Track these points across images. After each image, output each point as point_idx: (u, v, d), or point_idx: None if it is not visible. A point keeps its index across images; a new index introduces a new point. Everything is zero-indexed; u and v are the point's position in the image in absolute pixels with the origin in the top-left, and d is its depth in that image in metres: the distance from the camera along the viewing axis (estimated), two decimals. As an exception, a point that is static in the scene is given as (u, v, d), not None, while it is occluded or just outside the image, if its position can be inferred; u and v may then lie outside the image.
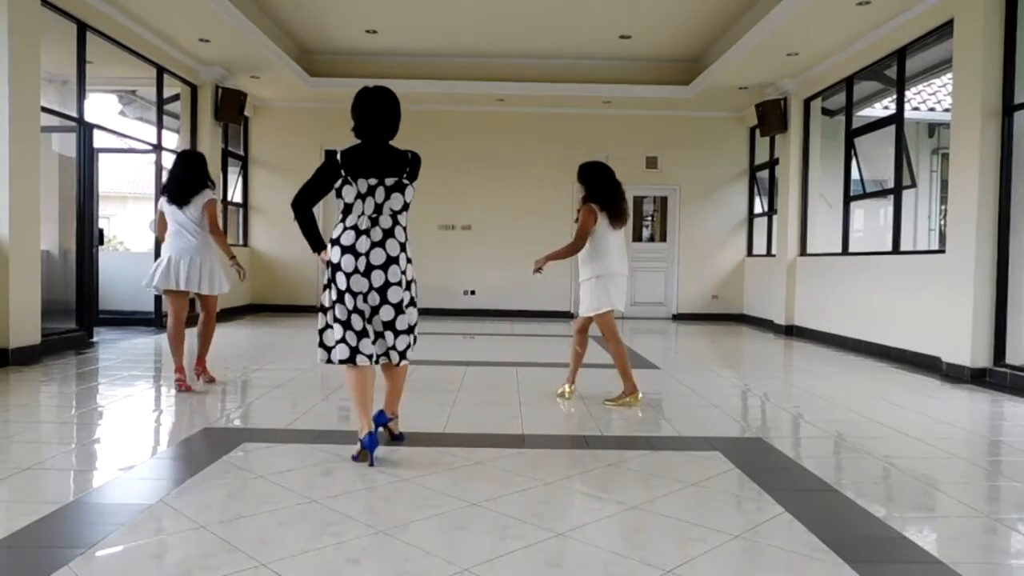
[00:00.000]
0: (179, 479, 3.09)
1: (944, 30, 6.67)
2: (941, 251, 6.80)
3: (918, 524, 2.79)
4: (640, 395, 4.85)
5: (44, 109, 6.49)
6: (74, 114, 7.32)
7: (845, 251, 8.69)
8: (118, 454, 3.56)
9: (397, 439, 3.69)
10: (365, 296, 3.36)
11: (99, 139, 7.78)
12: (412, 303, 3.50)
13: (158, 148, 8.98)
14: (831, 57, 8.53)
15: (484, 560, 2.30)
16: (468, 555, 2.34)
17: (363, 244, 3.33)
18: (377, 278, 3.34)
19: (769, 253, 10.77)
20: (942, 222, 11.61)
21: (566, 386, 5.06)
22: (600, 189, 4.80)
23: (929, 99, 11.78)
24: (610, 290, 4.80)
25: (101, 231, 8.31)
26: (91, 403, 4.71)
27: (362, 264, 3.33)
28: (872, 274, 7.78)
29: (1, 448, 3.50)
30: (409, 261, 3.49)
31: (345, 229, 3.37)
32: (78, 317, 7.37)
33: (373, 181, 3.34)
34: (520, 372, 5.90)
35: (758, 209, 11.56)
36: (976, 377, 5.87)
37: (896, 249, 7.51)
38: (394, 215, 3.39)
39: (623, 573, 2.24)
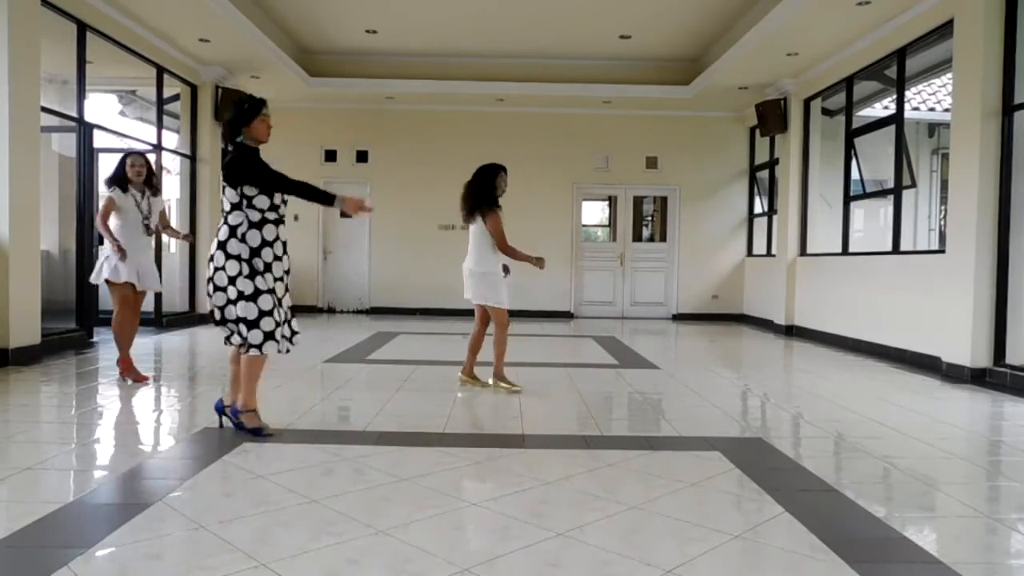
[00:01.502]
0: (179, 479, 3.09)
1: (944, 30, 6.67)
2: (941, 251, 6.79)
3: (918, 524, 2.79)
4: (464, 377, 5.33)
5: (44, 109, 6.49)
6: (74, 114, 7.32)
7: (845, 251, 8.69)
8: (118, 454, 3.56)
9: (239, 427, 3.78)
10: (210, 279, 3.67)
11: (99, 139, 7.78)
12: (245, 297, 3.60)
13: (158, 148, 8.98)
14: (831, 57, 8.53)
15: (484, 560, 2.30)
16: (468, 555, 2.34)
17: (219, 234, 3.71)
18: (211, 267, 3.65)
19: (769, 253, 10.77)
20: (942, 222, 11.61)
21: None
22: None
23: (929, 99, 11.78)
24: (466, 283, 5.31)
25: (101, 231, 8.31)
26: (91, 403, 4.71)
27: (212, 248, 3.68)
28: (872, 274, 7.77)
29: (1, 448, 3.51)
30: (247, 258, 3.59)
31: None
32: (78, 317, 7.37)
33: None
34: (520, 372, 5.89)
35: (758, 209, 11.56)
36: (976, 377, 5.87)
37: (896, 249, 7.51)
38: (224, 213, 3.71)
39: (623, 573, 2.24)
